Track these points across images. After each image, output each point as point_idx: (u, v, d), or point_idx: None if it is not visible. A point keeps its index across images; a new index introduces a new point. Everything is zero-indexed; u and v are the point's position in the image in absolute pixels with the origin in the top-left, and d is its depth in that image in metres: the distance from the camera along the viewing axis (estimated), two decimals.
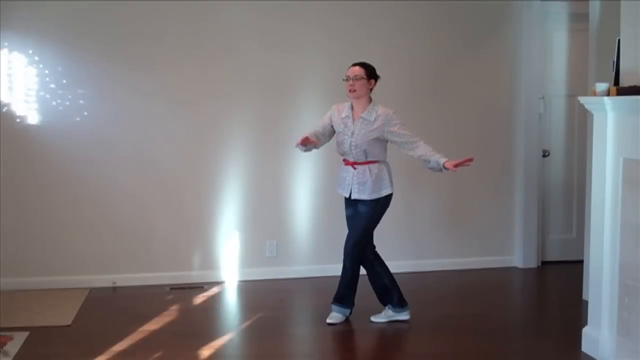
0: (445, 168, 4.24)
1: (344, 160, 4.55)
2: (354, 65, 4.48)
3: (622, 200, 3.76)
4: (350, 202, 4.55)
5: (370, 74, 4.45)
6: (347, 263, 4.56)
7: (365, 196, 4.44)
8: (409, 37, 5.80)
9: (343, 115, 4.51)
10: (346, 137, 4.46)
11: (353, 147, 4.43)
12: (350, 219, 4.60)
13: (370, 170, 4.43)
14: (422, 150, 4.35)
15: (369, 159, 4.44)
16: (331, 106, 4.62)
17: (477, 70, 5.95)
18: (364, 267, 4.61)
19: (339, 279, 4.63)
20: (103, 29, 5.38)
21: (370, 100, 4.49)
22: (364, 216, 4.48)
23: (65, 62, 5.36)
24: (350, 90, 4.44)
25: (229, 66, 5.57)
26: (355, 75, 4.42)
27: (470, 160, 4.21)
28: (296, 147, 4.42)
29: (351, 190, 4.49)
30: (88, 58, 5.38)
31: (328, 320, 4.57)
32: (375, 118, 4.40)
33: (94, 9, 5.35)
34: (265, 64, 5.61)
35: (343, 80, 4.48)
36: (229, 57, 5.57)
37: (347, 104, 4.54)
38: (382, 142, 4.44)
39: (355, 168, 4.46)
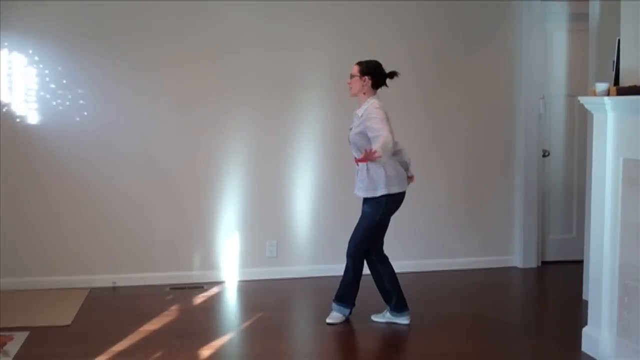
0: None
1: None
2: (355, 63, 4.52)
3: (622, 200, 3.75)
4: (363, 201, 4.56)
5: (364, 71, 4.44)
6: (348, 263, 4.56)
7: (360, 193, 4.46)
8: (409, 36, 5.80)
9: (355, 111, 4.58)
10: (348, 133, 4.55)
11: (350, 143, 4.49)
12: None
13: (367, 168, 4.41)
14: (374, 145, 4.16)
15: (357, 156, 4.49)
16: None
17: (477, 70, 5.95)
18: (367, 266, 4.61)
19: (340, 278, 4.62)
20: (103, 29, 5.38)
21: (371, 96, 4.47)
22: (364, 216, 4.49)
23: (65, 62, 5.36)
24: (348, 88, 4.53)
25: (229, 66, 5.57)
26: (351, 74, 4.47)
27: (373, 153, 4.01)
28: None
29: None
30: (88, 58, 5.38)
31: (327, 320, 4.57)
32: (362, 113, 4.43)
33: (94, 9, 5.35)
34: (265, 64, 5.61)
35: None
36: (229, 57, 5.57)
37: None
38: (367, 137, 4.36)
39: (357, 165, 4.47)
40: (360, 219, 4.52)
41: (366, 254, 4.56)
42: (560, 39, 6.14)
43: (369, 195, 4.42)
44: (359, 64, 4.47)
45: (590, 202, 4.06)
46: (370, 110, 4.35)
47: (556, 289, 5.62)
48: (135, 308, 4.94)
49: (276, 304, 5.10)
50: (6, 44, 5.27)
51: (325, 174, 5.69)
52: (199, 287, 5.46)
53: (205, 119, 5.58)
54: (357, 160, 4.35)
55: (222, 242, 5.67)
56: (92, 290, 5.35)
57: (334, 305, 4.62)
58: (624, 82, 3.87)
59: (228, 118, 5.61)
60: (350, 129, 4.49)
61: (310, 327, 4.72)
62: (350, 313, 4.63)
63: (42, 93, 5.36)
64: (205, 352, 4.09)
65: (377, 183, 4.38)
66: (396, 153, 4.42)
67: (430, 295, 5.28)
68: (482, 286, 5.59)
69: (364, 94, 4.46)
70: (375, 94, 4.47)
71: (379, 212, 4.44)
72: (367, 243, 4.53)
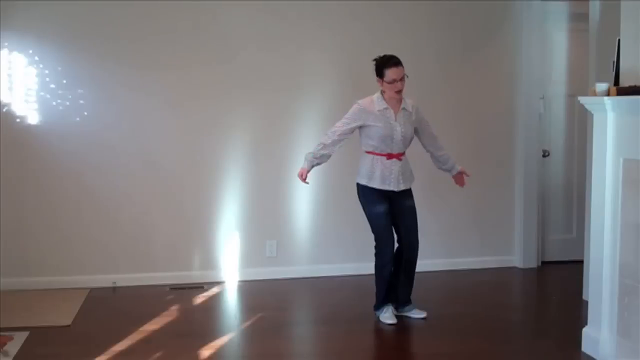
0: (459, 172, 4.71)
1: (386, 154, 4.47)
2: (395, 63, 4.42)
3: (622, 200, 3.75)
4: (389, 196, 4.53)
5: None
6: (417, 257, 4.72)
7: (407, 185, 4.56)
8: (409, 37, 5.80)
9: (379, 108, 4.46)
10: (395, 130, 4.45)
11: (402, 139, 4.47)
12: (400, 213, 4.59)
13: (407, 160, 4.58)
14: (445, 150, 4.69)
15: (406, 149, 4.57)
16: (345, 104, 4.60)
17: (477, 70, 5.95)
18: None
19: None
20: (103, 28, 5.38)
21: None
22: (414, 207, 4.60)
23: (65, 62, 5.36)
24: (398, 92, 4.43)
25: (229, 66, 5.57)
26: (402, 77, 4.43)
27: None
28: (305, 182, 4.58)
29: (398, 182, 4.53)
30: (88, 58, 5.38)
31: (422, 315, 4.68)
32: (411, 108, 4.52)
33: (94, 9, 5.35)
34: (265, 63, 5.61)
35: (387, 82, 4.42)
36: (229, 57, 5.57)
37: (375, 96, 4.50)
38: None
39: (400, 159, 4.50)
40: (412, 212, 4.60)
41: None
42: (560, 39, 6.13)
43: (413, 182, 4.61)
44: (401, 64, 4.45)
45: (590, 202, 4.06)
46: (419, 108, 4.61)
47: (556, 289, 5.62)
48: (135, 308, 4.94)
49: (276, 304, 5.10)
50: (6, 44, 5.27)
51: (326, 173, 5.68)
52: (199, 287, 5.46)
53: (206, 119, 5.58)
54: (462, 182, 4.76)
55: (222, 242, 5.67)
56: (92, 290, 5.35)
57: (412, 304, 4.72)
58: (624, 82, 3.87)
59: (228, 118, 5.61)
60: (397, 124, 4.44)
61: (310, 327, 4.72)
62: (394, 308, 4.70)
63: (42, 93, 5.36)
64: (205, 352, 4.09)
65: (412, 171, 4.62)
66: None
67: (430, 295, 5.27)
68: (482, 286, 5.60)
69: None
70: None
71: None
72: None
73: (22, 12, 5.26)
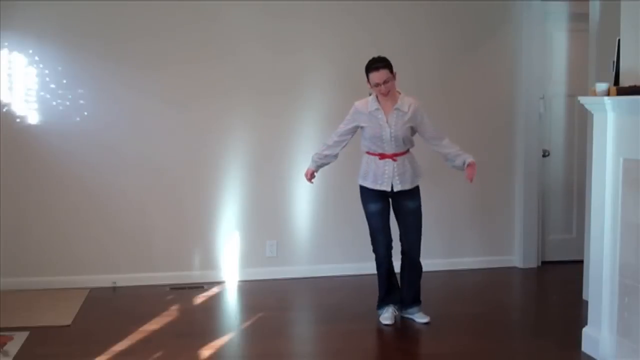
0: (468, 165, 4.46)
1: (379, 154, 4.47)
2: (375, 68, 4.36)
3: (622, 200, 3.75)
4: (389, 196, 4.52)
5: (391, 68, 4.40)
6: (420, 262, 4.68)
7: (407, 186, 4.48)
8: (409, 37, 5.80)
9: (371, 109, 4.45)
10: (384, 130, 4.42)
11: (393, 139, 4.42)
12: (400, 214, 4.58)
13: (408, 160, 4.50)
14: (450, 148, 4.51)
15: (405, 149, 4.50)
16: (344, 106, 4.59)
17: (477, 70, 5.95)
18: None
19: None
20: (103, 28, 5.39)
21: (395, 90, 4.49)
22: (417, 209, 4.55)
23: (65, 62, 5.36)
24: (383, 94, 4.40)
25: (230, 66, 5.58)
26: (385, 80, 4.35)
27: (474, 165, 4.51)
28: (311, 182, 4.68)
29: (392, 183, 4.47)
30: (88, 58, 5.38)
31: (425, 320, 4.62)
32: (407, 108, 4.44)
33: (94, 8, 5.35)
34: (266, 64, 5.62)
35: (372, 86, 4.39)
36: (229, 57, 5.57)
37: (370, 97, 4.49)
38: (412, 131, 4.50)
39: (395, 160, 4.46)
40: (412, 213, 4.54)
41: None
42: (560, 39, 6.13)
43: (416, 183, 4.53)
44: (386, 66, 4.36)
45: (590, 202, 4.06)
46: (419, 107, 4.47)
47: (556, 289, 5.62)
48: (135, 308, 4.95)
49: (276, 304, 5.10)
50: (6, 44, 5.27)
51: (326, 174, 5.67)
52: (199, 287, 5.46)
53: (206, 119, 5.58)
54: (468, 176, 4.49)
55: (222, 242, 5.67)
56: (92, 290, 5.35)
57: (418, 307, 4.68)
58: (624, 82, 3.87)
59: (228, 118, 5.61)
60: (390, 125, 4.40)
61: (310, 327, 4.72)
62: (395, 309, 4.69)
63: (42, 93, 5.36)
64: (205, 352, 4.09)
65: (419, 170, 4.56)
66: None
67: (430, 295, 5.26)
68: (482, 286, 5.60)
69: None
70: None
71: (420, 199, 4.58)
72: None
73: (22, 12, 5.26)
